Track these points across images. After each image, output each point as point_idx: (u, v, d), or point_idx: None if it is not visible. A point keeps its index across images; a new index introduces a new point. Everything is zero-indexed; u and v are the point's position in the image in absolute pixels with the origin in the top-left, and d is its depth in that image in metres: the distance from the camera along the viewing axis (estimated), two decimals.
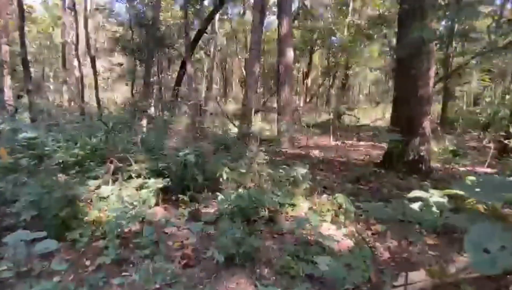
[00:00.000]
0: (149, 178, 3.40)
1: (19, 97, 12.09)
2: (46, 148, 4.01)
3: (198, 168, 3.69)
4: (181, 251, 2.44)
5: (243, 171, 3.90)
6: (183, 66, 12.31)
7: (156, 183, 3.27)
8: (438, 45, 7.26)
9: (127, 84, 18.40)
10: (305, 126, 11.12)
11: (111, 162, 3.52)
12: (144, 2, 12.79)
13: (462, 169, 5.73)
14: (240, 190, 3.38)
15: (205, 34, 14.53)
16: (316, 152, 7.23)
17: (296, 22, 17.37)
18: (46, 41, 24.07)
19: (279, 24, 8.82)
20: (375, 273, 1.99)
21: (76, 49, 14.16)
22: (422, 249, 2.54)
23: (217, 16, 15.98)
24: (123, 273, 2.14)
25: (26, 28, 12.17)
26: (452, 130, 10.33)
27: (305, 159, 6.11)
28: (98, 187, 3.22)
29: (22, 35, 9.11)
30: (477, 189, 1.35)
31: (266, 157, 4.21)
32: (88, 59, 14.53)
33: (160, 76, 15.33)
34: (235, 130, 8.92)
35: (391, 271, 2.13)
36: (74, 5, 13.76)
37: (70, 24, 14.74)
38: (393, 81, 8.74)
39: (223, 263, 2.20)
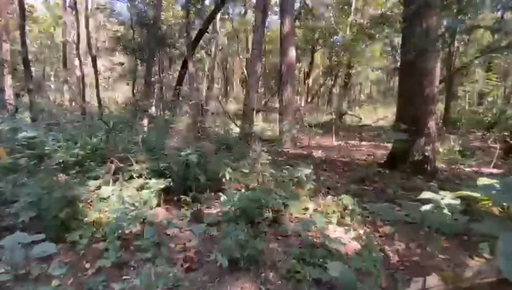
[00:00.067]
0: (150, 178, 3.34)
1: (18, 96, 12.06)
2: (46, 148, 3.97)
3: (200, 168, 3.62)
4: (184, 254, 2.37)
5: (246, 171, 3.83)
6: (184, 65, 12.26)
7: (158, 183, 3.20)
8: (440, 44, 7.18)
9: (128, 84, 18.37)
10: (307, 126, 11.04)
11: (112, 162, 3.46)
12: (145, 2, 12.74)
13: (467, 169, 5.65)
14: (243, 190, 3.32)
15: (206, 33, 14.48)
16: (318, 152, 7.16)
17: (298, 21, 17.30)
18: (47, 41, 24.10)
19: (281, 24, 8.76)
20: (386, 278, 1.91)
21: (77, 49, 14.13)
22: (432, 252, 2.46)
23: (218, 16, 15.91)
24: (124, 277, 2.08)
25: (27, 28, 12.15)
26: (455, 130, 10.25)
27: (307, 159, 6.04)
28: (99, 187, 3.16)
29: (23, 34, 9.06)
30: (502, 193, 1.28)
31: (269, 157, 4.14)
32: (89, 59, 14.52)
33: (161, 75, 15.28)
34: (237, 130, 8.86)
35: (402, 275, 2.05)
36: (75, 4, 13.75)
37: (71, 24, 14.70)
38: (396, 81, 8.67)
39: (226, 266, 2.13)
